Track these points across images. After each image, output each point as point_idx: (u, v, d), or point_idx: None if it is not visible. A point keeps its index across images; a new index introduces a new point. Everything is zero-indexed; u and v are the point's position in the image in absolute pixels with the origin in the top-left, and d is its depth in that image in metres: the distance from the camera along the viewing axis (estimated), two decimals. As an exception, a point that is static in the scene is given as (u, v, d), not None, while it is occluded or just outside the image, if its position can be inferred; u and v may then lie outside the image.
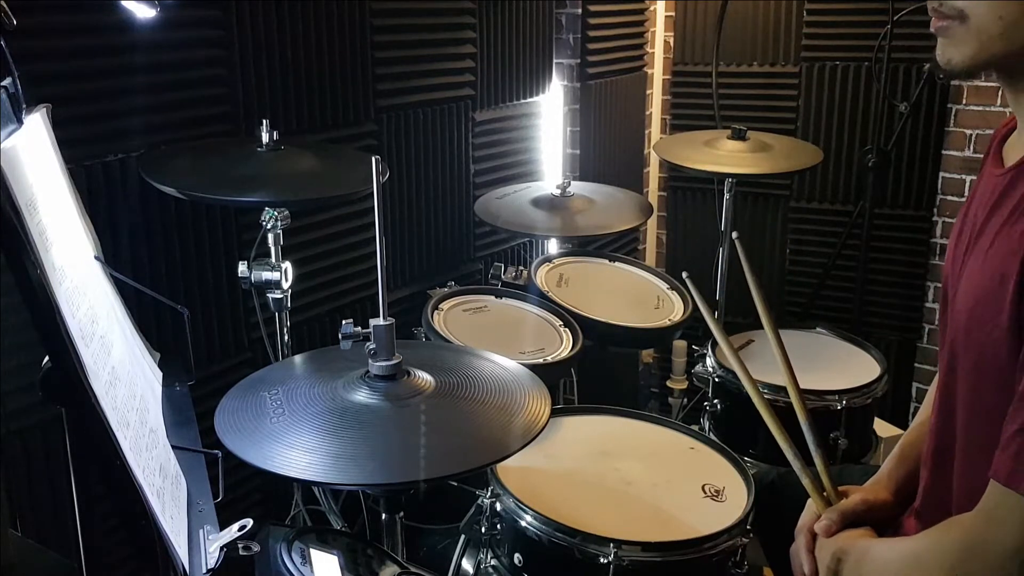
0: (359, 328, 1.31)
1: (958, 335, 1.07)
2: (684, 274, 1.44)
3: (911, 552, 1.08)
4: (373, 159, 1.27)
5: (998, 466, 0.96)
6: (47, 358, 0.88)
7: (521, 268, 2.35)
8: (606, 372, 2.93)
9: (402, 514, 1.38)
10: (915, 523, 1.22)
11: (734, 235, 1.38)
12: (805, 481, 1.27)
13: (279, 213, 1.68)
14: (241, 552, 1.00)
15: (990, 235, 1.04)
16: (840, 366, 2.25)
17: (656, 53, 3.39)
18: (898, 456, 1.34)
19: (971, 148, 2.94)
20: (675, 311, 2.22)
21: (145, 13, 1.47)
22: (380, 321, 1.28)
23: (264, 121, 1.74)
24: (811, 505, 1.28)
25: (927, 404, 1.32)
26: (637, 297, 2.29)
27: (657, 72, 3.41)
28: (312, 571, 1.17)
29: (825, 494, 1.28)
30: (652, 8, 3.30)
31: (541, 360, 1.85)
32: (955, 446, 1.11)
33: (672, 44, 3.38)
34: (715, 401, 2.20)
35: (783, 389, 1.97)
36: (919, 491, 1.24)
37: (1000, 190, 1.05)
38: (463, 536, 1.76)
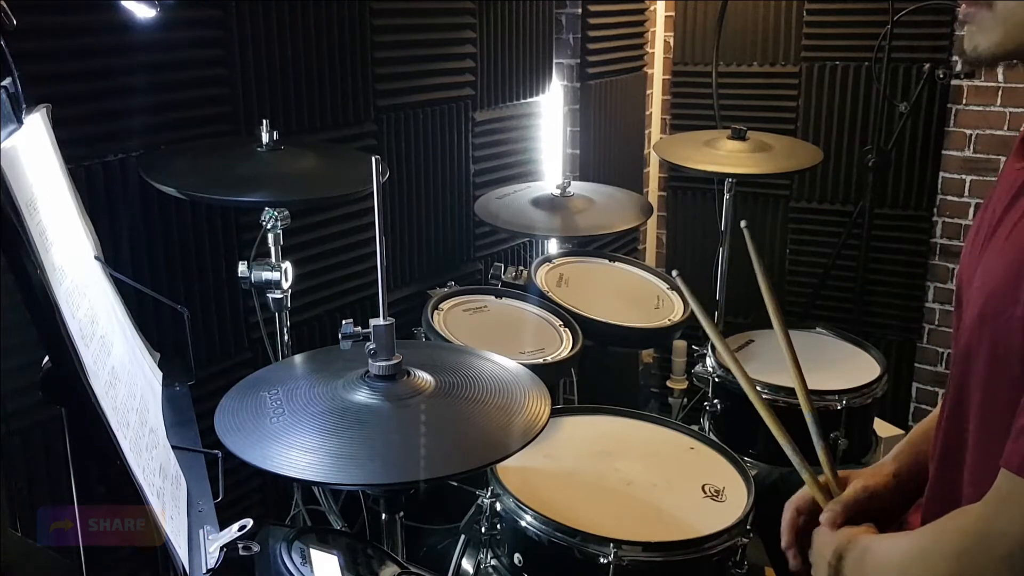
0: (359, 328, 1.31)
1: (973, 325, 1.07)
2: (674, 272, 1.42)
3: (915, 545, 1.07)
4: (373, 159, 1.27)
5: (1010, 454, 0.96)
6: (47, 358, 0.88)
7: (521, 268, 2.35)
8: (606, 372, 2.93)
9: (402, 514, 1.38)
10: (920, 519, 1.22)
11: (743, 224, 1.36)
12: (804, 474, 1.27)
13: (279, 213, 1.68)
14: (241, 552, 1.00)
15: (1008, 226, 1.04)
16: (840, 366, 2.25)
17: (656, 53, 3.39)
18: (907, 440, 1.33)
19: (971, 148, 2.94)
20: (675, 311, 2.22)
21: (145, 13, 1.47)
22: (380, 321, 1.28)
23: (264, 121, 1.74)
24: (805, 490, 1.28)
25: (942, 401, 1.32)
26: (637, 297, 2.28)
27: (657, 72, 3.41)
28: (312, 571, 1.17)
29: (823, 480, 1.27)
30: (652, 8, 3.30)
31: (541, 360, 1.85)
32: (966, 439, 1.11)
33: (672, 44, 3.38)
34: (715, 401, 2.20)
35: (783, 389, 1.97)
36: (927, 486, 1.24)
37: (1020, 183, 1.05)
38: (463, 536, 1.76)
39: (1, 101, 0.91)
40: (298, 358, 1.50)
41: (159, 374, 1.27)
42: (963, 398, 1.11)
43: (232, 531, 1.01)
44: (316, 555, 1.21)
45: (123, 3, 1.45)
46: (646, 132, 3.40)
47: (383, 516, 1.36)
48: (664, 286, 2.34)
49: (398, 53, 2.26)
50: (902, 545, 1.10)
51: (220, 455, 1.17)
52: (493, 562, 1.54)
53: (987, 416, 1.07)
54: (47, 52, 1.54)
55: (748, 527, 1.45)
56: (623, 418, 1.80)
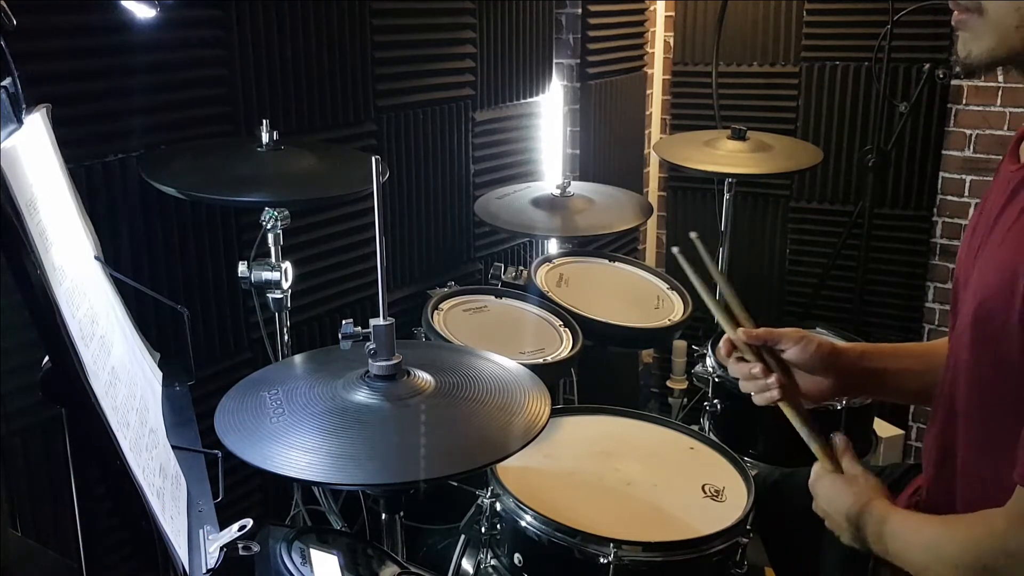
0: (359, 328, 1.31)
1: (968, 327, 1.07)
2: (693, 234, 1.38)
3: (936, 544, 1.07)
4: (373, 159, 1.27)
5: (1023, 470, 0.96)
6: (47, 358, 0.88)
7: (521, 268, 2.35)
8: (606, 372, 2.93)
9: (402, 514, 1.38)
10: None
11: (693, 235, 1.35)
12: (724, 318, 1.28)
13: (279, 213, 1.68)
14: (241, 552, 1.00)
15: (1002, 230, 1.04)
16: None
17: (656, 53, 3.39)
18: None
19: (971, 148, 2.94)
20: (675, 311, 2.22)
21: (145, 13, 1.47)
22: (380, 321, 1.28)
23: (264, 121, 1.74)
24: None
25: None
26: (637, 297, 2.28)
27: (657, 72, 3.41)
28: (312, 571, 1.17)
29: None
30: (652, 8, 3.30)
31: (541, 360, 1.85)
32: (957, 443, 1.11)
33: (672, 44, 3.38)
34: (715, 401, 2.20)
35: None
36: (924, 487, 1.24)
37: (1014, 186, 1.05)
38: (463, 536, 1.76)
39: (1, 101, 0.91)
40: (298, 358, 1.50)
41: (159, 374, 1.27)
42: (958, 398, 1.12)
43: (232, 531, 1.01)
44: (316, 555, 1.21)
45: (123, 3, 1.45)
46: (646, 132, 3.40)
47: (383, 516, 1.37)
48: (664, 286, 2.34)
49: (398, 53, 2.26)
50: (925, 537, 1.09)
51: (220, 455, 1.17)
52: (493, 562, 1.54)
53: (982, 416, 1.07)
54: (47, 52, 1.54)
55: (748, 527, 1.45)
56: (623, 418, 1.80)
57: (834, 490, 1.20)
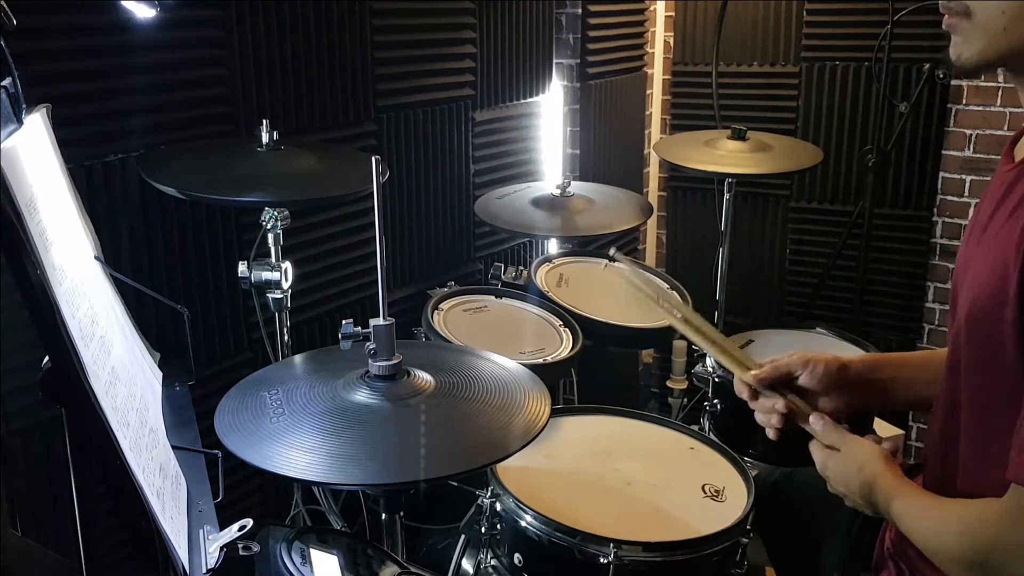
0: (359, 328, 1.31)
1: (962, 327, 1.08)
2: (612, 250, 1.41)
3: (935, 534, 1.08)
4: (373, 159, 1.27)
5: (1017, 469, 0.96)
6: (47, 358, 0.88)
7: (521, 268, 2.35)
8: (606, 372, 2.93)
9: (402, 514, 1.38)
10: None
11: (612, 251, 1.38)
12: (725, 361, 1.31)
13: (279, 213, 1.68)
14: (241, 552, 1.00)
15: (995, 228, 1.05)
16: (840, 366, 2.24)
17: (656, 53, 3.39)
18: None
19: (971, 148, 2.94)
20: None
21: (145, 13, 1.47)
22: (380, 321, 1.28)
23: (264, 121, 1.74)
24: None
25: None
26: (637, 297, 2.28)
27: (657, 72, 3.41)
28: (312, 571, 1.17)
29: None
30: (652, 8, 3.30)
31: (541, 360, 1.85)
32: (958, 440, 1.12)
33: (672, 44, 3.38)
34: (715, 401, 2.20)
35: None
36: (925, 486, 1.24)
37: (1006, 185, 1.06)
38: (463, 536, 1.76)
39: (1, 101, 0.91)
40: (298, 358, 1.50)
41: (159, 374, 1.27)
42: (956, 396, 1.12)
43: (232, 531, 1.01)
44: (316, 555, 1.21)
45: (123, 3, 1.45)
46: (646, 132, 3.40)
47: (383, 516, 1.37)
48: (664, 286, 2.33)
49: (398, 53, 2.26)
50: (927, 521, 1.10)
51: (220, 455, 1.17)
52: (493, 562, 1.54)
53: (980, 413, 1.08)
54: (47, 52, 1.54)
55: (748, 527, 1.45)
56: (623, 418, 1.80)
57: (840, 470, 1.20)
